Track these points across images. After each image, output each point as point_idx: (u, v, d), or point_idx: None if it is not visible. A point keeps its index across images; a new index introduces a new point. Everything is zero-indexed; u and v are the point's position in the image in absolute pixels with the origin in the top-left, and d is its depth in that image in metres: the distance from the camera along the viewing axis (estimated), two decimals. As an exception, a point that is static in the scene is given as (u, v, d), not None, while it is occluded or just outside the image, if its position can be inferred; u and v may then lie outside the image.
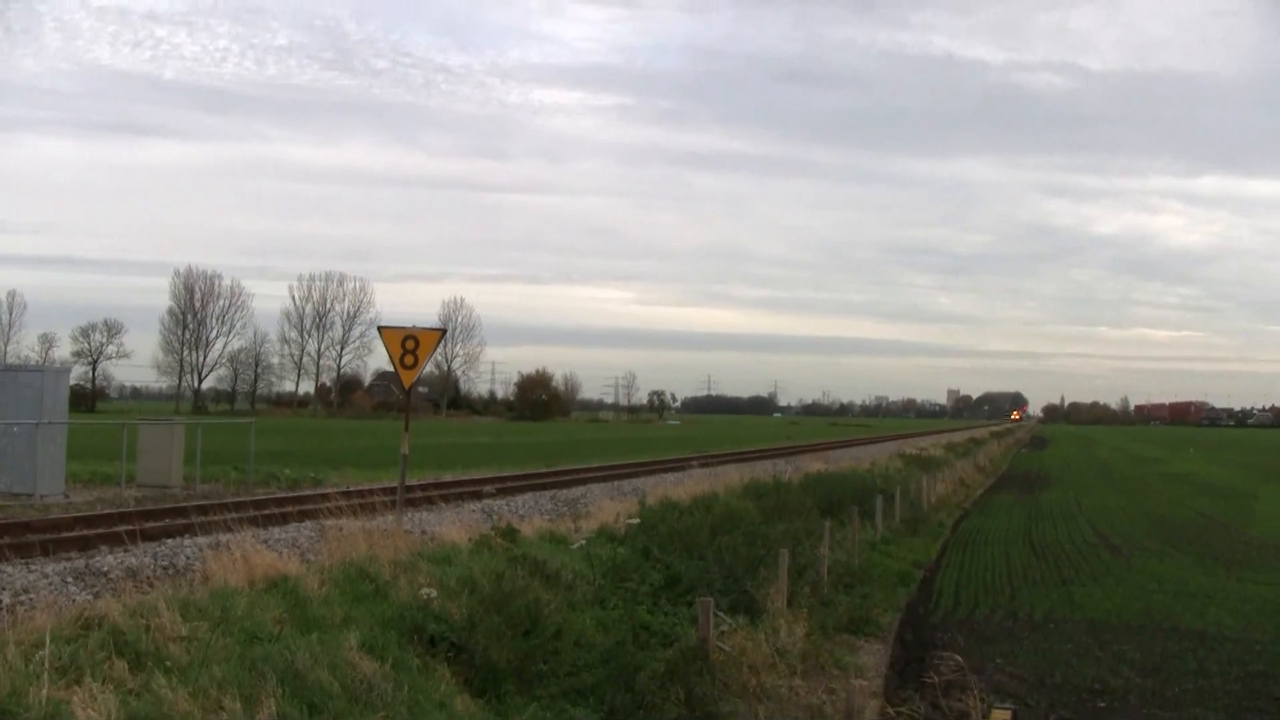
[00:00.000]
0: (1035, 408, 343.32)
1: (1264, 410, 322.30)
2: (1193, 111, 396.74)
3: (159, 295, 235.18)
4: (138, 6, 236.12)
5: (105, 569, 16.26)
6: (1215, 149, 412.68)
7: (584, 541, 16.92)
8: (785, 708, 11.30)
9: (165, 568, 16.54)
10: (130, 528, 19.50)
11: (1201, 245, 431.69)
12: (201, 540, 17.74)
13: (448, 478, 36.18)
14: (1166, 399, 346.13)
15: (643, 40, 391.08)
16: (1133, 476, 60.51)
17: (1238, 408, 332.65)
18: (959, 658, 13.00)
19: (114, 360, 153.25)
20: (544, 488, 34.04)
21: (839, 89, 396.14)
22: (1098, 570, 22.83)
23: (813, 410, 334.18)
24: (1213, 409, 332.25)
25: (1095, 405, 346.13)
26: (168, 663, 8.29)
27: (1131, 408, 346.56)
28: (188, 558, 17.26)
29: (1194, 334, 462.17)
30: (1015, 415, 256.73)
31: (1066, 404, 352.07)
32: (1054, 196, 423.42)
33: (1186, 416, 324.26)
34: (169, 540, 19.36)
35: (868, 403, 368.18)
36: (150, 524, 21.07)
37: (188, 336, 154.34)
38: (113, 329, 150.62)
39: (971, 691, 11.57)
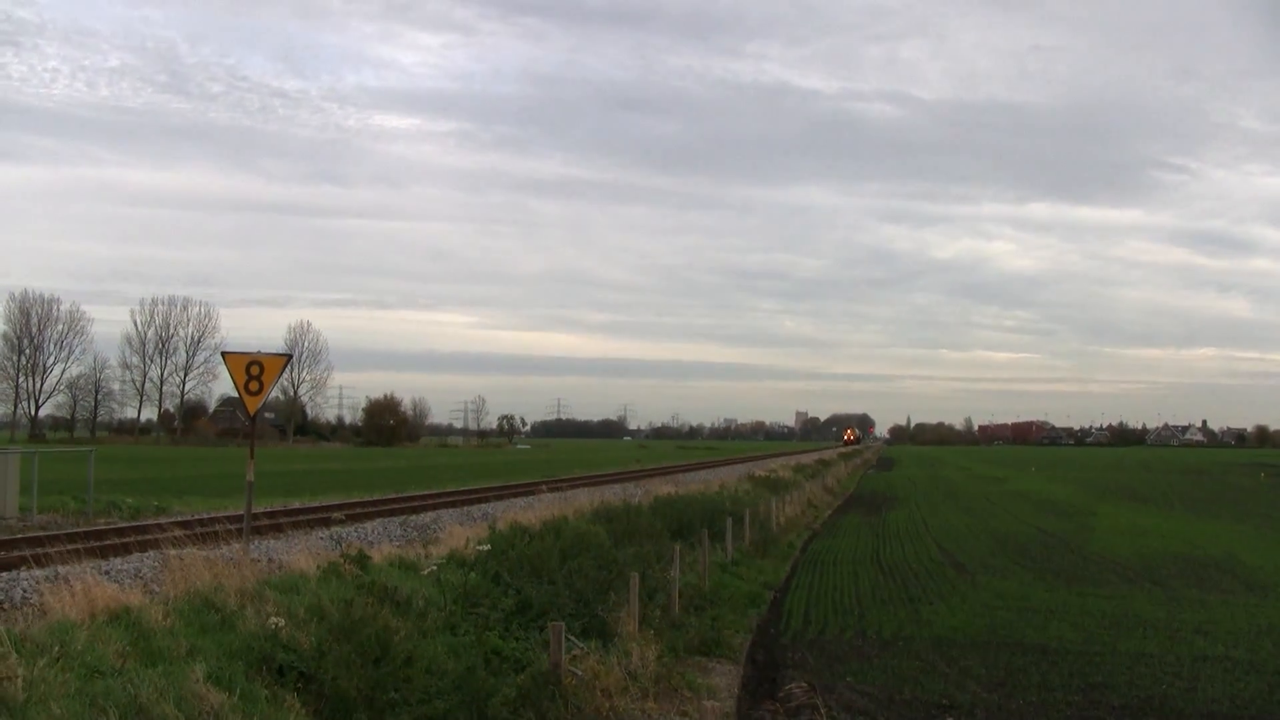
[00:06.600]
0: (882, 429, 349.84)
1: (1101, 429, 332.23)
2: (1018, 141, 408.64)
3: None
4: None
5: (-65, 605, 15.72)
6: (1042, 177, 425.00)
7: (435, 567, 16.77)
8: (638, 731, 11.31)
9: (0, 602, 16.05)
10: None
11: (1034, 269, 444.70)
12: (39, 573, 17.28)
13: (295, 505, 35.70)
14: (1009, 419, 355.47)
15: (480, 66, 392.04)
16: (977, 495, 61.74)
17: (1077, 427, 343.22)
18: (807, 679, 13.12)
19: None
20: (393, 514, 33.75)
21: (676, 116, 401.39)
22: (944, 588, 23.24)
23: (662, 433, 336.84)
24: (1053, 428, 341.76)
25: (940, 426, 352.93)
26: (5, 701, 8.04)
27: (975, 428, 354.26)
28: (24, 591, 16.76)
29: (1032, 355, 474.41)
30: (849, 436, 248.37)
31: (912, 425, 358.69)
32: (892, 222, 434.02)
33: (1028, 436, 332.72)
34: (3, 574, 18.73)
35: (717, 425, 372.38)
36: (-16, 557, 20.42)
37: (24, 363, 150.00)
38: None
39: (820, 711, 11.71)
